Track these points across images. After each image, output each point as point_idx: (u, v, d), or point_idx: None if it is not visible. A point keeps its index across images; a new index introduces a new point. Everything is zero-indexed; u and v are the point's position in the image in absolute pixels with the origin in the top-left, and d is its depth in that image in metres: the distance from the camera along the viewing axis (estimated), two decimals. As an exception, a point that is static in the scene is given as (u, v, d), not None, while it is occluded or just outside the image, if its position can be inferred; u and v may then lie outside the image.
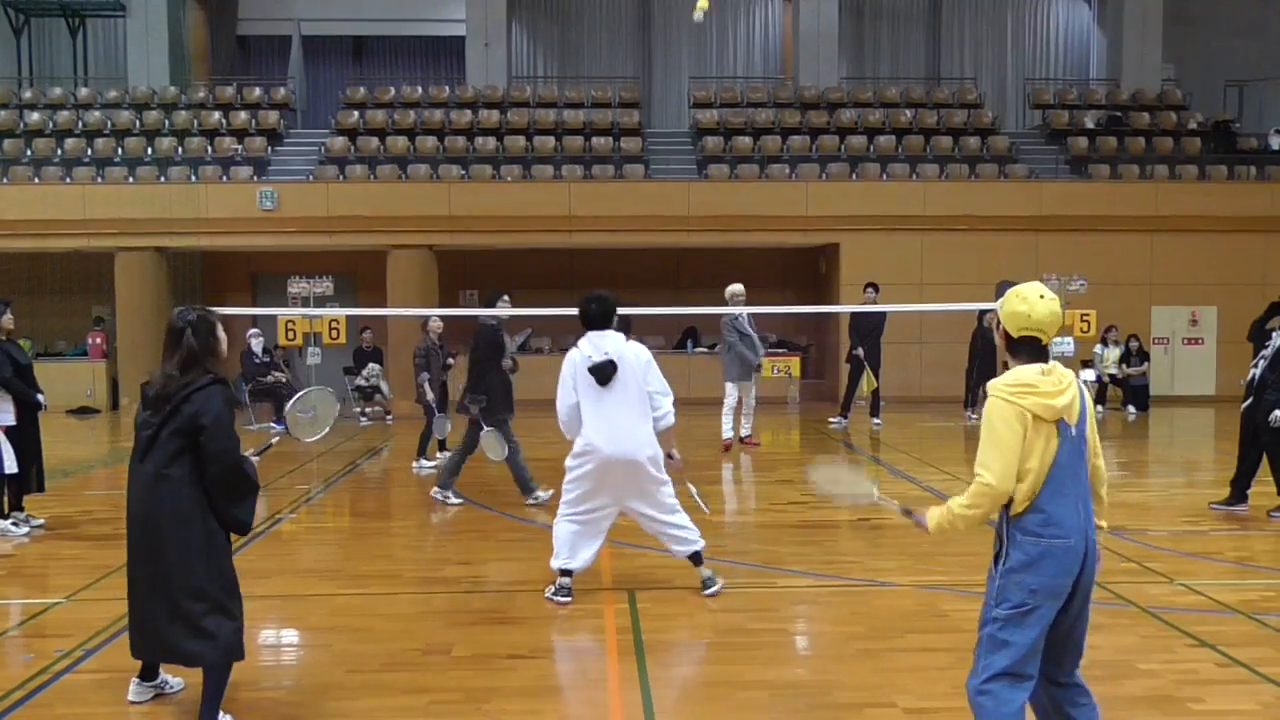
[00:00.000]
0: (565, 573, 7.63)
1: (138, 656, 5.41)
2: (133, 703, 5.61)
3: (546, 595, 7.65)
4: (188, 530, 5.07)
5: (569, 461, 7.58)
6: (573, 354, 7.60)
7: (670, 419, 7.60)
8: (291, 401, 6.18)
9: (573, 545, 7.60)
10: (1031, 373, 4.33)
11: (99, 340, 22.44)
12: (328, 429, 6.21)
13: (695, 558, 7.73)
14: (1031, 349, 4.41)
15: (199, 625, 5.08)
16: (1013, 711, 4.26)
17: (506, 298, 11.58)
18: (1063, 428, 4.29)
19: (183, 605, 5.08)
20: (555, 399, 7.64)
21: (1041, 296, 4.38)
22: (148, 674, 5.61)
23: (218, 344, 5.34)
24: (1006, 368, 4.53)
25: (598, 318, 7.62)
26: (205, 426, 5.03)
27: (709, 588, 7.68)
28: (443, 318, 14.62)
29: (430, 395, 13.60)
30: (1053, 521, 4.25)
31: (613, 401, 7.41)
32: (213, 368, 5.23)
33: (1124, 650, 6.41)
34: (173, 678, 5.71)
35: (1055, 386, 4.29)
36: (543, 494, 11.23)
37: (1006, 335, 4.47)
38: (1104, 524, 4.48)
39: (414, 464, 13.88)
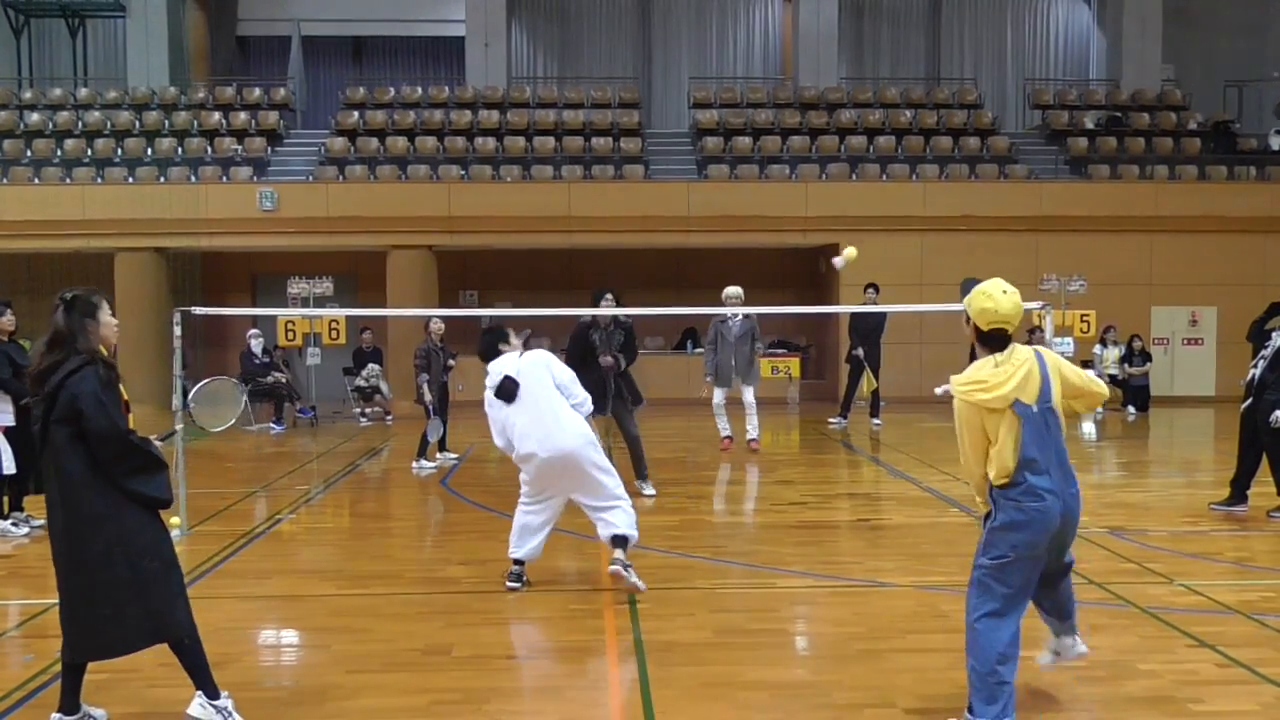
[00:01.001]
0: (517, 562, 7.94)
1: (68, 659, 5.23)
2: None
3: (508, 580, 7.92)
4: (96, 526, 5.00)
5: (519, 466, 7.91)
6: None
7: (588, 406, 7.85)
8: (194, 391, 6.18)
9: (520, 535, 7.92)
10: (986, 367, 4.88)
11: None
12: (232, 422, 6.25)
13: (618, 540, 7.64)
14: (998, 339, 4.91)
15: (112, 618, 5.03)
16: (1002, 641, 4.86)
17: (610, 296, 11.52)
18: (1021, 409, 4.81)
19: (95, 600, 5.03)
20: None
21: (1005, 291, 4.91)
22: (69, 707, 5.30)
23: (94, 325, 5.18)
24: (974, 357, 5.03)
25: (483, 350, 7.94)
26: (83, 410, 4.94)
27: (616, 565, 7.53)
28: (443, 319, 14.64)
29: (429, 396, 13.70)
30: (1030, 490, 4.81)
31: (530, 409, 7.62)
32: (84, 348, 5.07)
33: (1124, 651, 6.41)
34: (96, 710, 5.47)
35: (1006, 375, 4.81)
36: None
37: (977, 329, 4.94)
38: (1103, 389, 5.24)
39: (414, 464, 13.89)
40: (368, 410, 20.13)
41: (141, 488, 5.10)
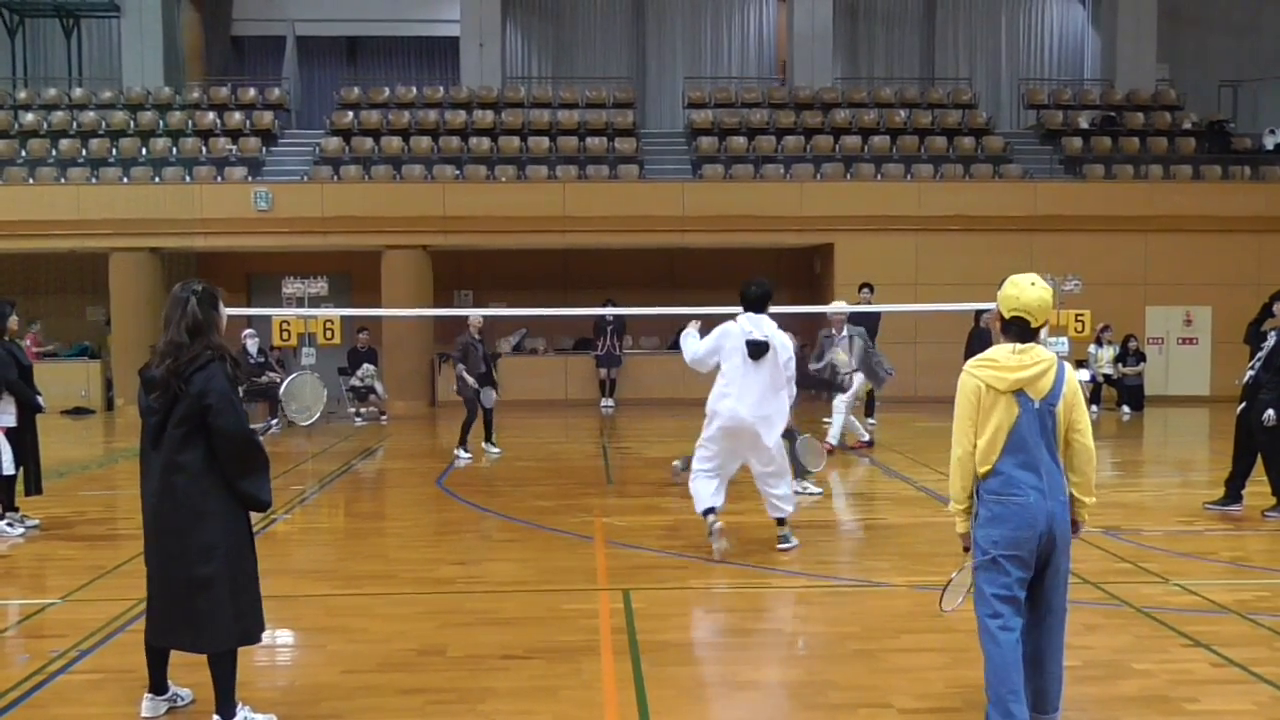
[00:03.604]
0: (711, 511, 8.82)
1: (151, 641, 5.37)
2: (146, 718, 5.49)
3: (709, 538, 8.75)
4: (202, 522, 5.08)
5: (707, 419, 8.83)
6: (730, 326, 8.79)
7: (793, 390, 9.30)
8: (282, 393, 6.22)
9: (710, 491, 8.84)
10: (1002, 350, 4.92)
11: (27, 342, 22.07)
12: (318, 414, 6.26)
13: (780, 521, 9.05)
14: (1020, 330, 4.94)
15: (206, 613, 5.10)
16: (1001, 653, 4.82)
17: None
18: (1022, 399, 4.82)
19: (192, 594, 5.10)
20: (687, 359, 9.01)
21: (1032, 284, 5.02)
22: (158, 687, 5.52)
23: (219, 317, 5.31)
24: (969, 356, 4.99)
25: (756, 300, 8.80)
26: (211, 405, 5.01)
27: (783, 543, 9.02)
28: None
29: (472, 382, 14.52)
30: (1012, 482, 4.82)
31: (755, 375, 8.60)
32: (214, 341, 5.18)
33: (1119, 650, 6.42)
34: (182, 690, 5.63)
35: (1018, 362, 4.85)
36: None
37: (1000, 317, 5.01)
38: (1088, 499, 5.02)
39: (455, 450, 14.74)
40: (363, 410, 20.12)
41: (252, 488, 5.20)
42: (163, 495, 5.13)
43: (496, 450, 15.02)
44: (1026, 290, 4.91)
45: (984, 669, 4.89)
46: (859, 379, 14.60)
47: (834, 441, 14.69)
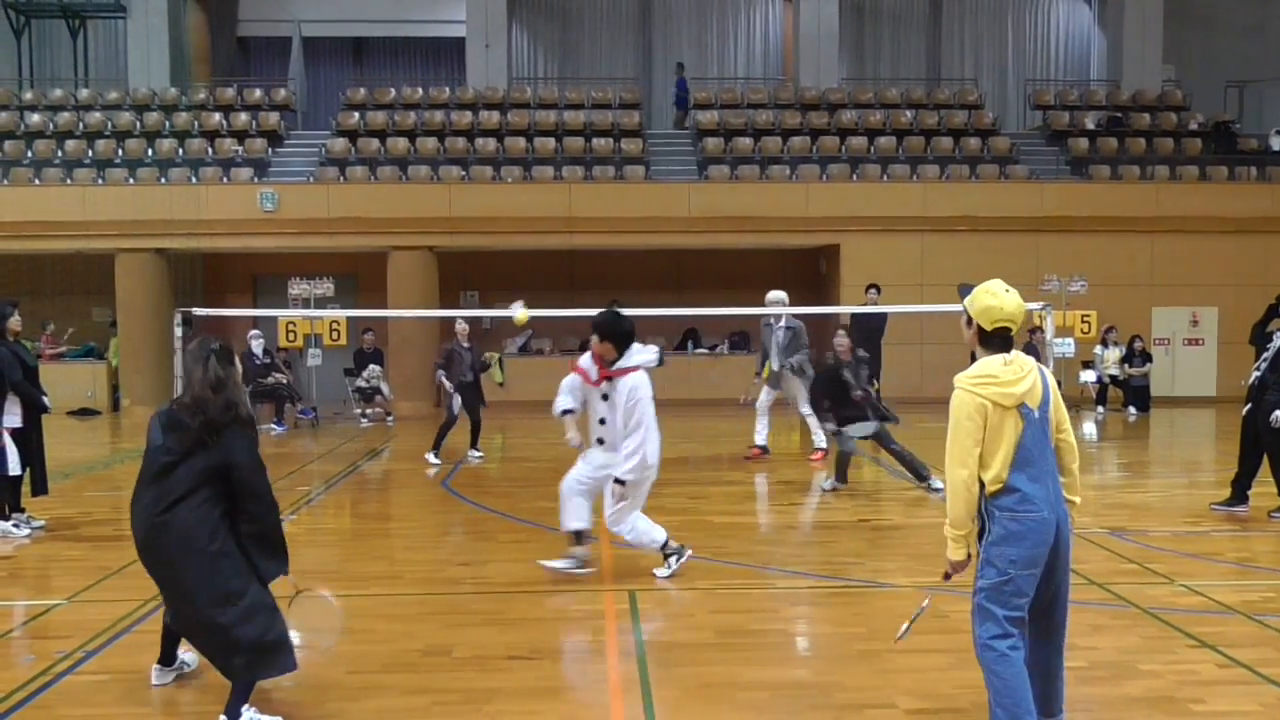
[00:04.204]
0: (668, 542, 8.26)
1: (171, 626, 5.69)
2: (156, 686, 5.85)
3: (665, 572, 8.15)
4: (196, 554, 5.18)
5: (649, 471, 8.06)
6: (641, 378, 8.00)
7: None
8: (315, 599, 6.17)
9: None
10: (995, 364, 4.76)
11: (42, 343, 22.03)
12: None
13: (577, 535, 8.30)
14: (1002, 340, 4.82)
15: (221, 638, 5.25)
16: (1015, 672, 4.69)
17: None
18: (1025, 412, 4.71)
19: (210, 634, 5.27)
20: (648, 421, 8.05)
21: (1007, 290, 4.84)
22: (167, 659, 5.86)
23: (236, 372, 5.50)
24: (974, 359, 4.91)
25: (631, 333, 8.07)
26: (239, 463, 5.21)
27: (565, 567, 8.31)
28: (466, 320, 14.93)
29: (450, 388, 14.37)
30: (1026, 498, 4.67)
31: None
32: (234, 398, 5.34)
33: (1125, 651, 6.41)
34: (188, 655, 5.95)
35: (1015, 375, 4.71)
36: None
37: (980, 330, 4.84)
38: (1076, 499, 4.93)
39: (428, 455, 14.49)
40: (369, 411, 20.14)
41: (256, 549, 5.35)
42: (160, 529, 5.23)
43: (437, 463, 14.57)
44: (1007, 299, 4.78)
45: (990, 690, 4.75)
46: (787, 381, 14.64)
47: (820, 444, 14.61)
